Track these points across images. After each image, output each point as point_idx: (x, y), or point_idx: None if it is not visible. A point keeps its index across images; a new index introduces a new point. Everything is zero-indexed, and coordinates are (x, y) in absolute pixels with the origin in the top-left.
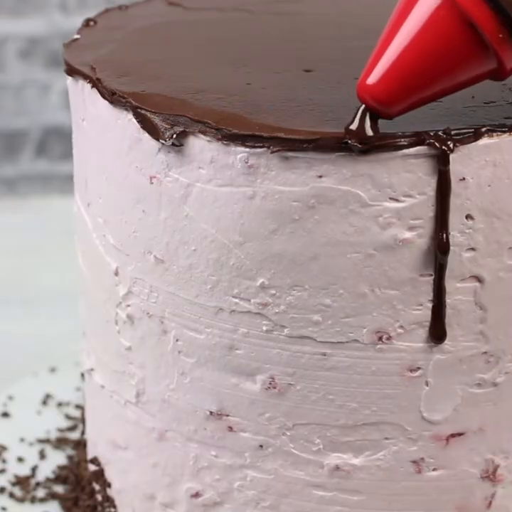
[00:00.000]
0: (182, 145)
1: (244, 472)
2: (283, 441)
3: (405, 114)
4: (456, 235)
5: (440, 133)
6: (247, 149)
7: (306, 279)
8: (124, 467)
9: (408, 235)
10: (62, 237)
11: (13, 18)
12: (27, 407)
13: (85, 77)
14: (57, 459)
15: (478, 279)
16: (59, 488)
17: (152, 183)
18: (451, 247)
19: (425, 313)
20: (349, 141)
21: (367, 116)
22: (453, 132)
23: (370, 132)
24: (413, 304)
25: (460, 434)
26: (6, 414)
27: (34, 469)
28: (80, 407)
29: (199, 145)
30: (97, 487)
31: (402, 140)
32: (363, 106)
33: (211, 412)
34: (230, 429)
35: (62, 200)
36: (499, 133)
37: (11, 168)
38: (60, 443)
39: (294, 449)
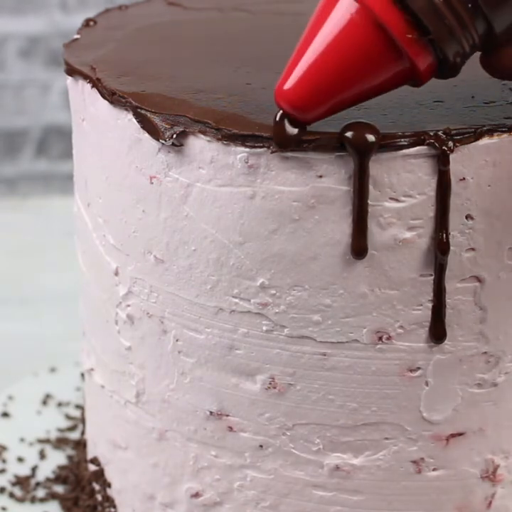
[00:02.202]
0: (182, 145)
1: (244, 472)
2: (283, 441)
3: (327, 117)
4: (456, 235)
5: (440, 133)
6: (247, 149)
7: (306, 279)
8: (124, 467)
9: (408, 235)
10: (62, 237)
11: (14, 17)
12: (27, 407)
13: (85, 77)
14: (57, 459)
15: (478, 279)
16: (59, 488)
17: (152, 183)
18: (451, 247)
19: (425, 313)
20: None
21: (285, 121)
22: (453, 132)
23: (291, 133)
24: (413, 304)
25: (460, 434)
26: (6, 414)
27: (34, 469)
28: (80, 407)
29: (199, 145)
30: (97, 487)
31: (402, 140)
32: (281, 112)
33: (211, 412)
34: (230, 429)
35: (62, 200)
36: (499, 133)
37: (11, 167)
38: (60, 443)
39: (294, 449)
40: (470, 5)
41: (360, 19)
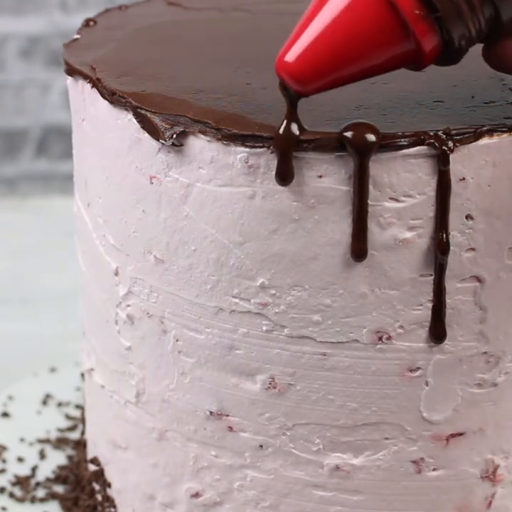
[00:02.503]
0: (182, 145)
1: (244, 472)
2: (283, 441)
3: (324, 91)
4: (456, 235)
5: (440, 133)
6: (247, 149)
7: (306, 279)
8: (124, 467)
9: (408, 235)
10: (62, 237)
11: (14, 17)
12: (27, 407)
13: (85, 77)
14: (57, 459)
15: (478, 279)
16: (59, 488)
17: (152, 183)
18: (451, 247)
19: (425, 313)
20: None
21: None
22: (453, 132)
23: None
24: (413, 304)
25: (460, 434)
26: (6, 414)
27: (34, 469)
28: (80, 407)
29: (199, 145)
30: (97, 487)
31: (402, 140)
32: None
33: (211, 412)
34: (230, 429)
35: (62, 200)
36: (499, 133)
37: (11, 167)
38: (60, 443)
39: (294, 449)
40: None
41: None
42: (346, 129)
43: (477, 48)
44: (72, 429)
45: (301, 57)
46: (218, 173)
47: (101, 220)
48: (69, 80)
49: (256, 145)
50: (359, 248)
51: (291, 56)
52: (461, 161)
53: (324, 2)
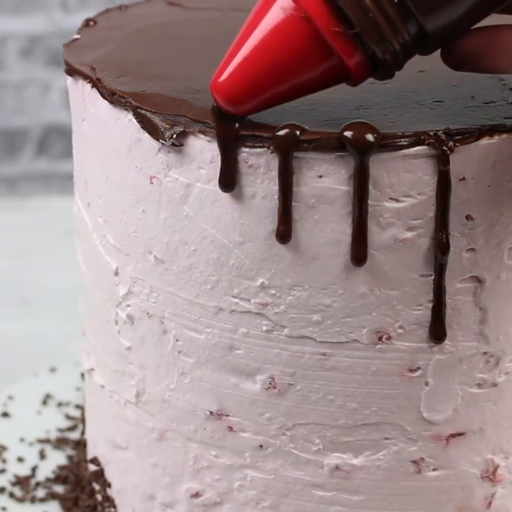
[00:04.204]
0: (182, 145)
1: (244, 472)
2: (283, 441)
3: (260, 111)
4: (456, 235)
5: (440, 133)
6: (247, 149)
7: (306, 279)
8: (124, 467)
9: (408, 235)
10: (62, 237)
11: (14, 17)
12: (27, 407)
13: (85, 77)
14: (57, 459)
15: (478, 279)
16: (59, 488)
17: (152, 183)
18: (451, 247)
19: (425, 313)
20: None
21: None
22: (453, 132)
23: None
24: (413, 304)
25: (460, 434)
26: (6, 414)
27: (34, 469)
28: (80, 407)
29: (199, 145)
30: (97, 487)
31: (402, 140)
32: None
33: (211, 412)
34: (230, 429)
35: (62, 200)
36: (499, 133)
37: (12, 167)
38: (60, 443)
39: (294, 449)
40: (396, 1)
41: (289, 13)
42: (346, 129)
43: None
44: (72, 429)
45: (232, 79)
46: (218, 173)
47: (101, 220)
48: (69, 79)
49: (256, 145)
50: (359, 253)
51: (223, 78)
52: (461, 161)
53: (254, 24)
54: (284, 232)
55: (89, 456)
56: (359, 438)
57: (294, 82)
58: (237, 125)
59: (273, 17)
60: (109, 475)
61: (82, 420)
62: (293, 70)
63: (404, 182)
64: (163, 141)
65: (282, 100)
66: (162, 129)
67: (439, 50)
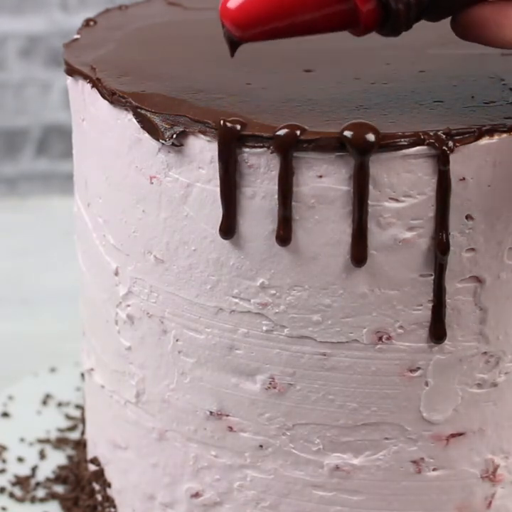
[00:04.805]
0: (182, 145)
1: (244, 472)
2: (283, 441)
3: (263, 40)
4: (456, 235)
5: (440, 133)
6: (247, 149)
7: (306, 279)
8: (124, 467)
9: (408, 235)
10: (62, 237)
11: (14, 17)
12: (27, 407)
13: (85, 77)
14: (57, 459)
15: (478, 279)
16: (59, 488)
17: (152, 183)
18: (451, 247)
19: (425, 313)
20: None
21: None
22: (453, 132)
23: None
24: (413, 304)
25: (460, 434)
26: (6, 414)
27: (34, 469)
28: (80, 407)
29: (199, 145)
30: (97, 487)
31: (402, 140)
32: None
33: (211, 412)
34: (230, 429)
35: (62, 200)
36: (499, 133)
37: (12, 167)
38: (60, 443)
39: (294, 449)
40: None
41: None
42: (346, 129)
43: (477, 47)
44: (72, 429)
45: (241, 4)
46: (218, 173)
47: (101, 220)
48: (69, 79)
49: (256, 145)
50: (359, 253)
51: (232, 3)
52: (461, 161)
53: None
54: (284, 236)
55: (89, 456)
56: (359, 438)
57: (300, 17)
58: (237, 127)
59: None
60: (109, 475)
61: (82, 420)
62: (305, 6)
63: (404, 182)
64: (163, 141)
65: (287, 33)
66: (162, 129)
67: (439, 50)
